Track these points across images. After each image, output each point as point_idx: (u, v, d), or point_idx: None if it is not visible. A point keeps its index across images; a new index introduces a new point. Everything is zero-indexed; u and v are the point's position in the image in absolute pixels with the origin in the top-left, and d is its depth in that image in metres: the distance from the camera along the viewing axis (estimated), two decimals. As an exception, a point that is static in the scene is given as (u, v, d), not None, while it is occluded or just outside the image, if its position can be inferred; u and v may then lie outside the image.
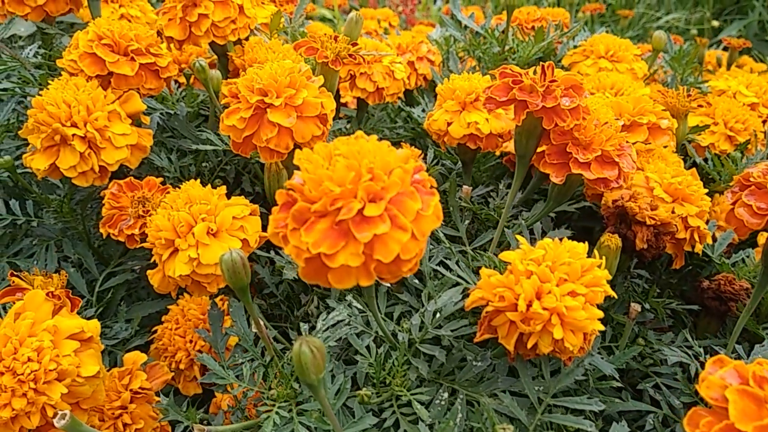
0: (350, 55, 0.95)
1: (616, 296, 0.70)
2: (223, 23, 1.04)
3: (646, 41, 3.43)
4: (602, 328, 0.66)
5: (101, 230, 0.96)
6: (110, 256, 1.25)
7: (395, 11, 3.54)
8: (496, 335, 0.69)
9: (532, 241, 0.99)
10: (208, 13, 1.03)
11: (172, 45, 1.09)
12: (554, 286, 0.65)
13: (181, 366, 0.98)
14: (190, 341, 0.98)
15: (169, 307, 1.03)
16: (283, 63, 0.84)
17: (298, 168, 0.93)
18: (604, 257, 0.73)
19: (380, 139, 1.43)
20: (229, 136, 1.07)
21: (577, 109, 0.78)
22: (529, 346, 0.66)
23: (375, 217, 0.54)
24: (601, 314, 0.66)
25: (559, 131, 0.81)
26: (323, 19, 3.11)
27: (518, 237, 0.72)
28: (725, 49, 3.28)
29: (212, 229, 0.80)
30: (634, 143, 1.01)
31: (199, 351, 0.98)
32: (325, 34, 0.97)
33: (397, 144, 1.52)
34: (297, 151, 0.61)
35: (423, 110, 1.50)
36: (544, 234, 0.95)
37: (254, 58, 1.08)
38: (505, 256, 0.69)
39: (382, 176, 0.56)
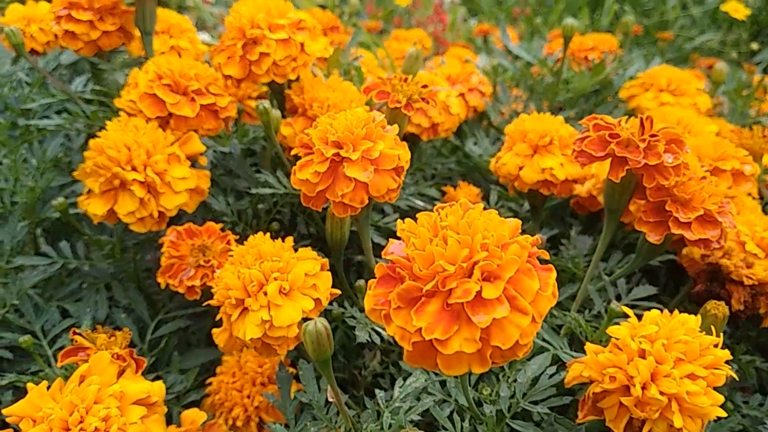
0: (422, 99, 0.91)
1: (737, 378, 0.63)
2: (284, 62, 1.00)
3: (683, 63, 3.36)
4: (724, 414, 0.60)
5: (159, 280, 0.92)
6: (157, 292, 1.21)
7: (426, 31, 3.50)
8: (601, 417, 0.63)
9: (613, 296, 0.93)
10: (270, 52, 0.99)
11: (229, 82, 1.05)
12: (671, 367, 0.59)
13: (238, 423, 0.92)
14: (248, 397, 0.93)
15: (224, 358, 0.98)
16: (357, 112, 0.80)
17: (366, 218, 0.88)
18: (713, 329, 0.67)
19: (433, 176, 1.37)
20: (288, 174, 1.05)
21: (679, 166, 0.72)
22: (644, 434, 0.60)
23: (493, 300, 0.49)
24: (722, 399, 0.60)
25: (657, 187, 0.75)
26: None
27: (624, 309, 0.67)
28: (765, 71, 3.20)
29: (285, 288, 0.75)
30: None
31: (257, 407, 0.93)
32: (395, 76, 0.93)
33: (449, 179, 1.48)
34: (399, 222, 0.56)
35: (475, 143, 1.45)
36: (629, 291, 0.89)
37: (314, 97, 1.04)
38: (613, 331, 0.63)
39: (498, 253, 0.51)
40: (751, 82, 1.76)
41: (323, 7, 3.16)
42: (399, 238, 0.58)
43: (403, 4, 3.21)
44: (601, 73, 1.40)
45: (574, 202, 1.13)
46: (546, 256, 0.54)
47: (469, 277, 0.50)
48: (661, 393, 0.58)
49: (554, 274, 0.52)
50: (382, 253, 0.57)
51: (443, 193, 1.27)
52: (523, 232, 1.02)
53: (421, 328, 0.49)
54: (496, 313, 0.49)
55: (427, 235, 0.52)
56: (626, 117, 0.77)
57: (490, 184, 1.39)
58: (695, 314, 0.99)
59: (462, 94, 1.50)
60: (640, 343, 0.61)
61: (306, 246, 1.09)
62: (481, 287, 0.49)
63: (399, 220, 0.56)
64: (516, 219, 0.55)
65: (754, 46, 3.37)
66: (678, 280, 1.26)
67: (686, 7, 3.93)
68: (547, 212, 1.27)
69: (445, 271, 0.50)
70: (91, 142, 0.92)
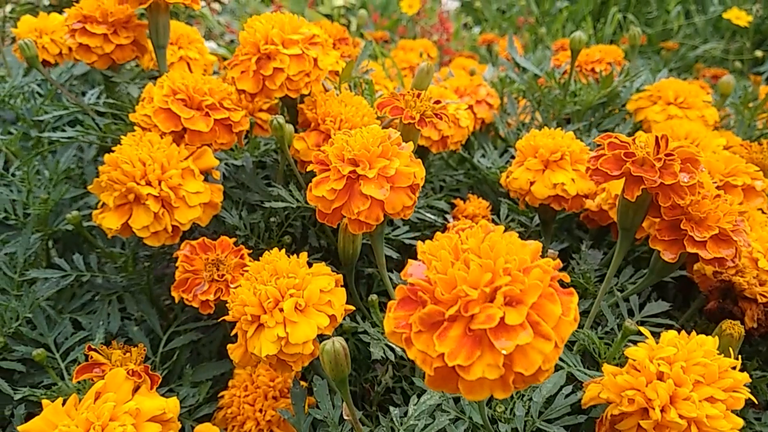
0: (435, 114, 0.91)
1: (756, 402, 0.63)
2: (298, 77, 1.01)
3: (686, 72, 3.37)
4: (744, 437, 0.60)
5: (173, 294, 0.92)
6: (168, 304, 1.22)
7: (430, 39, 3.51)
8: (619, 438, 0.64)
9: (625, 311, 0.93)
10: (284, 67, 0.99)
11: (242, 96, 1.06)
12: (690, 390, 0.59)
13: (250, 437, 0.92)
14: (260, 411, 0.93)
15: (236, 371, 0.98)
16: (373, 129, 0.80)
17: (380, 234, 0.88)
18: (731, 350, 0.67)
19: (441, 188, 1.37)
20: (301, 188, 1.05)
21: (695, 185, 0.72)
22: (663, 456, 0.60)
23: (516, 326, 0.49)
24: (741, 423, 0.60)
25: (672, 205, 0.76)
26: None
27: (641, 329, 0.67)
28: (768, 81, 3.20)
29: (300, 305, 0.75)
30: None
31: (269, 421, 0.93)
32: (409, 92, 0.93)
33: (456, 191, 1.48)
34: (419, 243, 0.57)
35: (483, 156, 1.45)
36: (641, 306, 0.89)
37: (327, 111, 1.04)
38: (631, 353, 0.64)
39: (520, 277, 0.51)
40: (757, 94, 1.76)
41: (329, 16, 3.17)
42: (415, 256, 0.58)
43: (410, 13, 3.22)
44: (609, 87, 1.41)
45: (583, 216, 1.14)
46: (567, 279, 0.54)
47: (492, 302, 0.50)
48: (681, 416, 0.59)
49: (576, 299, 0.52)
50: (402, 274, 0.58)
51: (453, 206, 1.28)
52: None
53: (443, 354, 0.49)
54: (519, 339, 0.49)
55: (449, 259, 0.53)
56: (638, 133, 0.77)
57: (498, 197, 1.40)
58: (706, 330, 0.99)
59: (470, 106, 1.50)
60: (659, 365, 0.61)
61: (317, 259, 1.10)
62: (504, 313, 0.49)
63: (419, 242, 0.56)
64: (537, 242, 0.55)
65: (758, 54, 3.37)
66: (687, 293, 1.26)
67: (689, 16, 3.94)
68: (556, 224, 1.27)
69: (467, 296, 0.50)
70: (106, 156, 0.93)
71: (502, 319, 0.49)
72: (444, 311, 0.51)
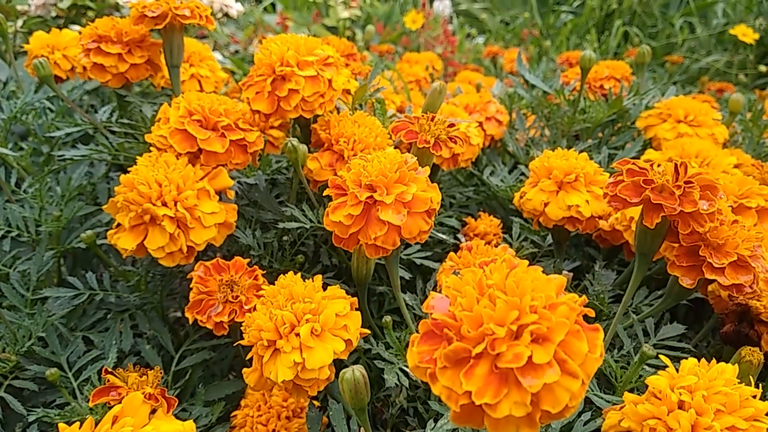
0: (450, 138, 0.92)
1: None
2: (312, 98, 1.01)
3: (691, 85, 3.37)
4: (767, 470, 0.60)
5: (187, 315, 0.92)
6: (178, 321, 1.22)
7: (434, 51, 3.52)
8: (640, 469, 0.63)
9: (640, 331, 0.93)
10: (299, 89, 1.00)
11: (256, 117, 1.06)
12: (712, 420, 0.59)
13: (264, 459, 0.92)
14: (273, 431, 0.93)
15: (248, 390, 0.98)
16: (390, 154, 0.80)
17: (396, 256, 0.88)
18: (750, 377, 0.67)
19: (451, 205, 1.36)
20: (313, 207, 1.05)
21: (714, 213, 0.72)
22: (686, 489, 0.59)
23: (543, 364, 0.49)
24: (765, 454, 0.60)
25: (691, 232, 0.76)
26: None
27: (663, 358, 0.67)
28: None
29: (316, 330, 0.75)
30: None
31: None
32: (423, 116, 0.94)
33: (466, 207, 1.48)
34: (443, 278, 0.57)
35: (492, 173, 1.46)
36: (656, 327, 0.89)
37: (341, 132, 1.05)
38: (652, 381, 0.63)
39: (547, 315, 0.51)
40: (765, 110, 1.76)
41: (334, 29, 3.18)
42: (426, 275, 0.58)
43: (414, 28, 3.23)
44: (619, 106, 1.41)
45: (596, 235, 1.14)
46: (591, 314, 0.54)
47: (518, 339, 0.50)
48: (703, 447, 0.58)
49: (602, 335, 0.52)
50: (424, 306, 0.58)
51: (463, 223, 1.28)
52: (547, 266, 1.02)
53: (470, 392, 0.49)
54: (547, 377, 0.49)
55: (474, 295, 0.53)
56: (648, 151, 0.77)
57: (508, 213, 1.40)
58: (721, 351, 0.99)
59: (480, 123, 1.51)
60: (680, 394, 0.61)
61: (330, 277, 1.10)
62: (531, 351, 0.49)
63: (443, 276, 0.56)
64: (561, 276, 0.55)
65: (762, 68, 3.38)
66: (698, 311, 1.26)
67: (693, 30, 3.96)
68: (567, 242, 1.27)
69: (494, 334, 0.50)
70: (122, 177, 0.93)
71: (530, 357, 0.49)
72: (470, 348, 0.51)
